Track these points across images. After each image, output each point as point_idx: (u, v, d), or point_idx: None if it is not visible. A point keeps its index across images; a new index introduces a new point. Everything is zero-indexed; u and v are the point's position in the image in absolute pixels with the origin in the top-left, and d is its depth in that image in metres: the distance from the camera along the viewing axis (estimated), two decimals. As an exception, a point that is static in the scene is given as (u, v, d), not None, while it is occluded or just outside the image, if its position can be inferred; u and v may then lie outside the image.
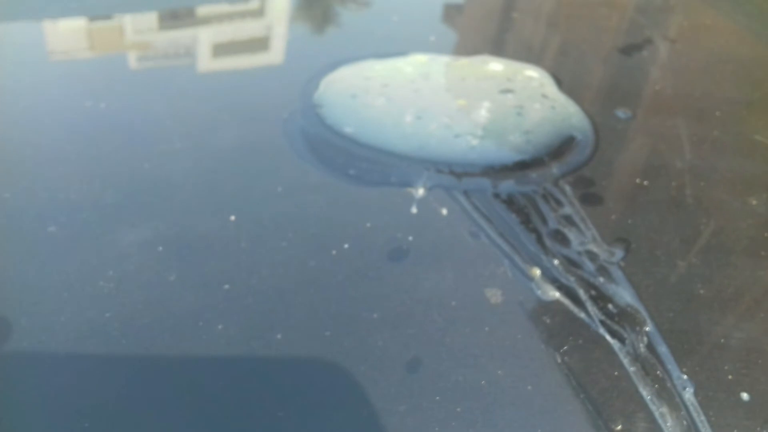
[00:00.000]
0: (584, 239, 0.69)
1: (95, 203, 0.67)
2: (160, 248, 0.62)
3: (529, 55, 1.03)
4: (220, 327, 0.56)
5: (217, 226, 0.66)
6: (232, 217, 0.67)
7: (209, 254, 0.63)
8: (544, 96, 0.90)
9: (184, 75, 0.93)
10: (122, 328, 0.56)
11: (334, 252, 0.64)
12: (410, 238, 0.67)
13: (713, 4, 1.33)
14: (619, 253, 0.67)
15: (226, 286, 0.59)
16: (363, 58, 0.96)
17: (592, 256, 0.67)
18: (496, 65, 0.97)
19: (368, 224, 0.68)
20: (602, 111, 0.90)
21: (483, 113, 0.85)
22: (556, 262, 0.65)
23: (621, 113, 0.91)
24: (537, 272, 0.64)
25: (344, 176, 0.74)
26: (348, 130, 0.81)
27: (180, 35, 1.07)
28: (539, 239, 0.68)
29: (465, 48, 1.08)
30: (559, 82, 0.94)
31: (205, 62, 0.98)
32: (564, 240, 0.68)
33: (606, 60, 1.08)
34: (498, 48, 1.10)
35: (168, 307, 0.58)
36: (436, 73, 0.94)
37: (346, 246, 0.65)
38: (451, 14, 1.26)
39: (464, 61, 0.97)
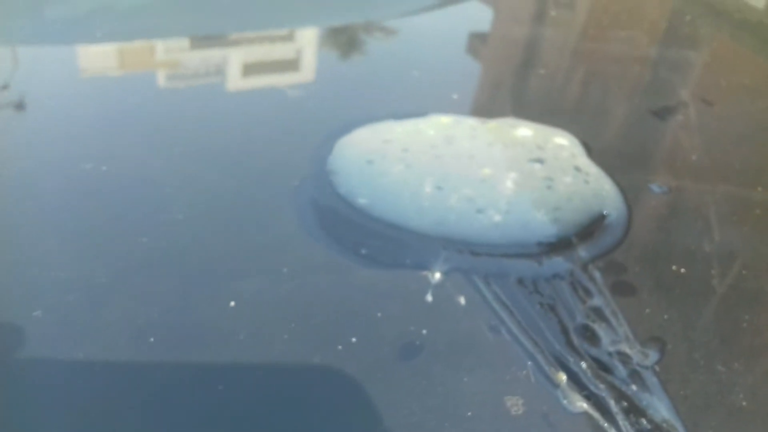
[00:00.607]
0: (616, 337, 0.63)
1: (86, 283, 0.62)
2: (152, 339, 0.57)
3: (556, 117, 0.98)
4: (210, 437, 0.51)
5: (215, 313, 0.60)
6: (232, 303, 0.61)
7: (204, 347, 0.57)
8: (576, 168, 0.84)
9: (190, 134, 0.88)
10: None
11: (340, 347, 0.59)
12: (424, 331, 0.61)
13: (753, 60, 1.27)
14: (653, 355, 0.61)
15: (220, 387, 0.54)
16: (381, 117, 0.91)
17: (625, 359, 0.60)
18: (524, 130, 0.92)
19: (379, 314, 0.62)
20: (635, 184, 0.84)
21: (509, 185, 0.80)
22: (584, 365, 0.59)
23: (655, 187, 0.85)
24: (563, 378, 0.58)
25: (355, 256, 0.69)
26: (362, 201, 0.76)
27: (185, 87, 1.04)
28: (566, 336, 0.62)
29: (489, 107, 1.03)
30: (589, 150, 0.89)
31: (213, 120, 0.93)
32: (593, 338, 0.62)
33: (639, 124, 1.02)
34: (524, 108, 1.04)
35: (156, 411, 0.53)
36: (460, 137, 0.89)
37: (353, 340, 0.59)
38: (475, 69, 1.21)
39: (492, 125, 0.92)
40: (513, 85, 1.15)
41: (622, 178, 0.84)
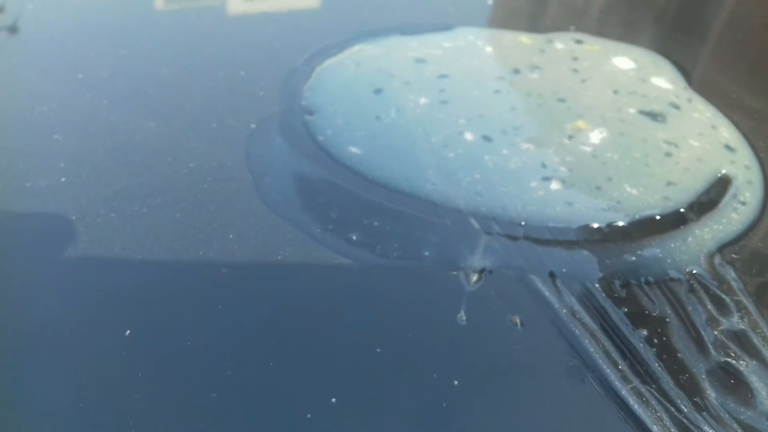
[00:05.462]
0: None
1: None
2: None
3: (632, 34, 0.70)
4: None
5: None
6: (128, 332, 0.36)
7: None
8: (674, 104, 0.57)
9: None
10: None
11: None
12: (435, 375, 0.36)
13: None
14: None
15: None
16: (390, 32, 0.64)
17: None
18: (627, 61, 0.63)
19: (378, 349, 0.37)
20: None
21: (606, 147, 0.52)
22: (727, 440, 0.34)
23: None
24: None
25: (344, 242, 0.43)
26: (353, 150, 0.49)
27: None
28: (693, 384, 0.36)
29: (538, 17, 0.75)
30: (688, 77, 0.61)
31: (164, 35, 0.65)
32: (741, 390, 0.36)
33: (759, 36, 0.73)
34: (587, 21, 0.76)
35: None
36: (536, 62, 0.60)
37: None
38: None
39: (596, 46, 0.64)
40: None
41: (746, 123, 0.56)
